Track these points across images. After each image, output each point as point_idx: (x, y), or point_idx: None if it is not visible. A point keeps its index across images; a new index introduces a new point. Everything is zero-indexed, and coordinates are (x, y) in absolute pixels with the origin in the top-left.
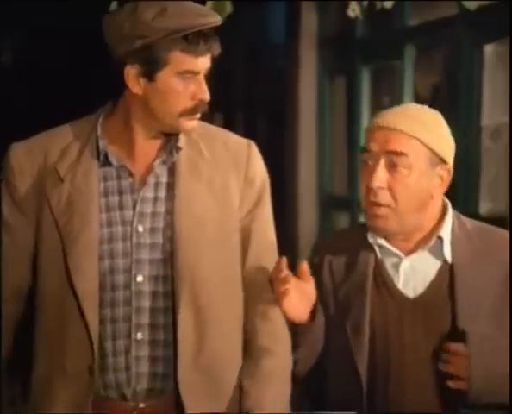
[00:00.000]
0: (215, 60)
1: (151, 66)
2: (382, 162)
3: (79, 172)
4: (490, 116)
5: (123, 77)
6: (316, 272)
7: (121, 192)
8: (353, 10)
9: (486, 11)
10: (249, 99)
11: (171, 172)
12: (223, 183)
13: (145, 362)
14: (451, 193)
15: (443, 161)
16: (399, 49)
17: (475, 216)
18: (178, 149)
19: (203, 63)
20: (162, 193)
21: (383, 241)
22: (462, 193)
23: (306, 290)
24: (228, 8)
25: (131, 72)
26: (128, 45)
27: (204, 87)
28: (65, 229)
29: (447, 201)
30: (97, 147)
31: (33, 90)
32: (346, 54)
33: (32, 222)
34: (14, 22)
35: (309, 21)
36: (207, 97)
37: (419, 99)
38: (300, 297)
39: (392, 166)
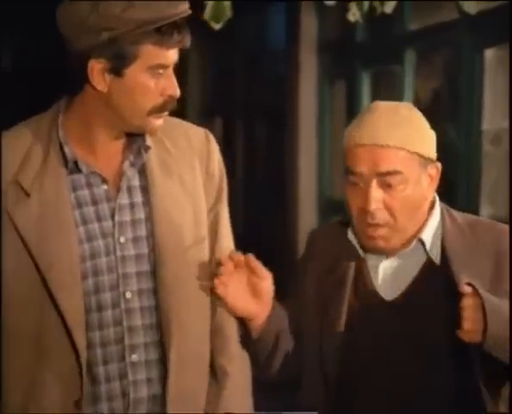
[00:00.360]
0: (214, 65)
1: (119, 61)
2: (374, 183)
3: (47, 183)
4: (491, 120)
5: (83, 71)
6: (307, 261)
7: (95, 202)
8: (354, 15)
9: (486, 15)
10: (249, 104)
11: (142, 173)
12: (193, 180)
13: (143, 385)
14: (452, 197)
15: (430, 160)
16: (399, 53)
17: None
18: (148, 149)
19: (174, 55)
20: (138, 198)
21: None
22: (463, 197)
23: (258, 285)
24: (228, 13)
25: (96, 67)
26: (93, 38)
27: (175, 82)
28: (39, 251)
29: (435, 196)
30: (63, 152)
31: (32, 91)
32: (346, 59)
33: None
34: (13, 24)
35: (309, 25)
36: (177, 92)
37: (419, 103)
38: (252, 291)
39: (387, 185)
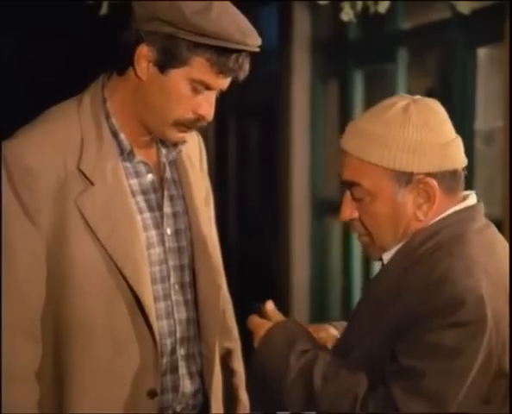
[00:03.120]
0: None
1: (168, 59)
2: (348, 193)
3: (107, 171)
4: (484, 119)
5: (133, 54)
6: None
7: (143, 191)
8: (347, 14)
9: (479, 15)
10: (241, 103)
11: (172, 166)
12: (198, 174)
13: (188, 379)
14: None
15: (417, 174)
16: (392, 52)
17: None
18: (184, 142)
19: (222, 84)
20: (173, 191)
21: None
22: None
23: None
24: None
25: (144, 52)
26: (156, 26)
27: (212, 106)
28: (109, 240)
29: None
30: (117, 140)
31: (32, 91)
32: (339, 58)
33: (43, 238)
34: (12, 24)
35: (302, 24)
36: (210, 116)
37: None
38: None
39: (356, 196)
